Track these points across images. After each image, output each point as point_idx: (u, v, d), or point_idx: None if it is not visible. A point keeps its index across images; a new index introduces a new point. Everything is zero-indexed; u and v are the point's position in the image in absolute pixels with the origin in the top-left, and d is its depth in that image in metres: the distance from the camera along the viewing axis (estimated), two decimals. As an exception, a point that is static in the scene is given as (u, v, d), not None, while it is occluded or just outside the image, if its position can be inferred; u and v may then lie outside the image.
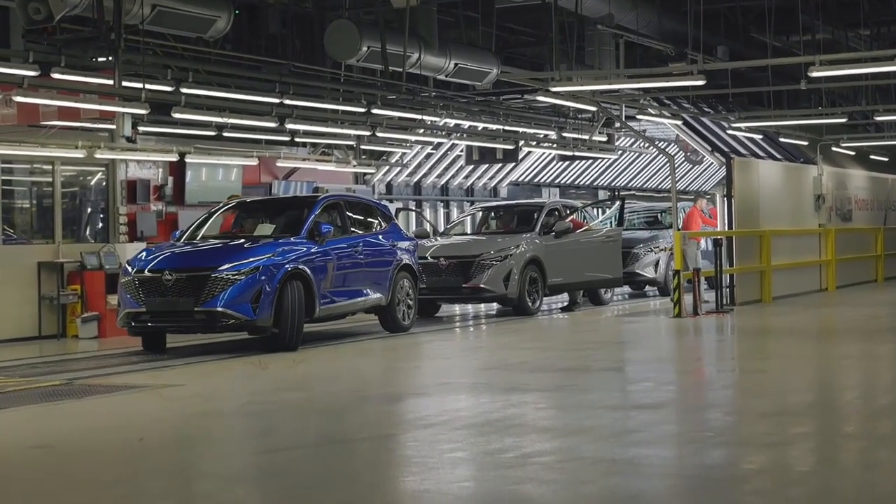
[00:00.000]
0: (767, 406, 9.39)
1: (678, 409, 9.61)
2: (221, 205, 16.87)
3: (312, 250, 14.57)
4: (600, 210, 25.01)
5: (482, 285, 18.69)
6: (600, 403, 9.79)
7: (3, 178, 16.95)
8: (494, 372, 12.21)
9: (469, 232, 22.61)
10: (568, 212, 21.16)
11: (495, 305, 20.72)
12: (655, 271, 23.05)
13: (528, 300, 19.07)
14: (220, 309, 13.63)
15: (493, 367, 12.67)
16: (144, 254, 14.62)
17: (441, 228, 25.99)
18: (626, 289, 23.59)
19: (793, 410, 9.23)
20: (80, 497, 6.74)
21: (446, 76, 19.48)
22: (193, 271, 13.80)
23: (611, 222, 22.53)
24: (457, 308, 21.75)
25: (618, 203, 22.06)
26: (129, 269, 14.22)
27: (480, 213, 22.56)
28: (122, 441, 8.52)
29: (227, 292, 13.62)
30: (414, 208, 29.05)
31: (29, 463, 7.77)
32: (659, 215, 25.38)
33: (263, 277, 13.79)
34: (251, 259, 13.90)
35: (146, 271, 13.98)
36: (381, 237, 16.28)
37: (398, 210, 23.24)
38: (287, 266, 14.06)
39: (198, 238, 15.34)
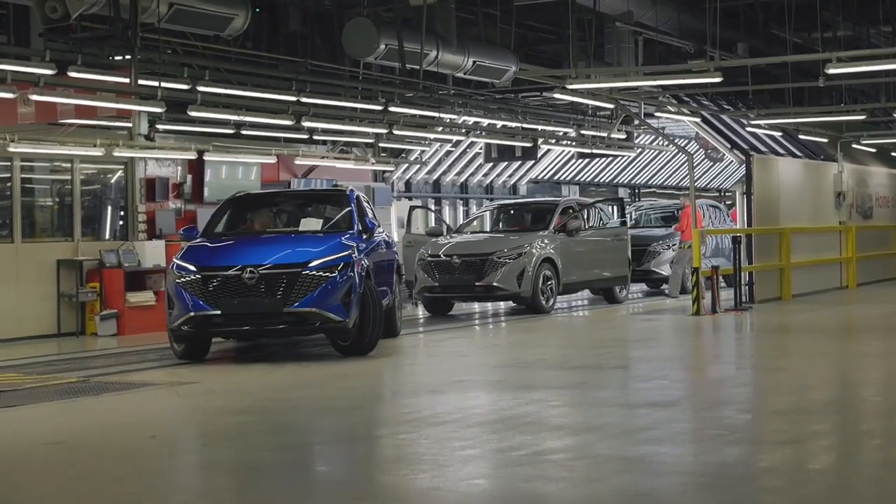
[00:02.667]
0: (783, 404, 9.35)
1: (692, 407, 9.58)
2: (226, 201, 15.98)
3: (363, 247, 13.54)
4: (616, 208, 24.92)
5: (495, 283, 18.66)
6: (614, 401, 9.77)
7: (23, 176, 17.02)
8: (509, 370, 12.21)
9: (483, 230, 22.55)
10: (572, 210, 21.11)
11: (508, 304, 20.69)
12: (671, 269, 22.96)
13: (542, 298, 19.03)
14: (313, 310, 12.51)
15: (507, 365, 12.66)
16: (200, 250, 13.20)
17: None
18: (643, 287, 23.51)
19: (809, 408, 9.19)
20: (92, 492, 6.76)
21: (465, 74, 19.45)
22: (282, 268, 12.59)
23: (626, 221, 22.50)
24: (476, 306, 21.73)
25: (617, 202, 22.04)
26: (190, 266, 12.71)
27: (495, 211, 22.52)
28: (135, 437, 8.55)
29: (318, 291, 12.52)
30: (423, 206, 28.97)
31: (43, 458, 7.80)
32: (676, 212, 25.29)
33: (352, 274, 12.77)
34: (336, 255, 12.81)
35: (219, 269, 12.66)
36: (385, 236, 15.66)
37: (412, 207, 23.20)
38: (364, 262, 13.15)
39: (230, 233, 14.06)
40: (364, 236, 13.79)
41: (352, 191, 14.89)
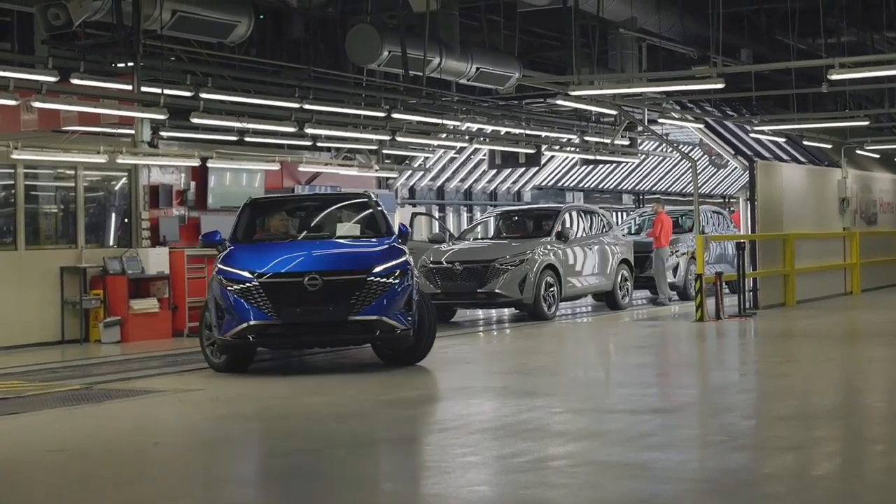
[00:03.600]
0: (787, 410, 9.33)
1: (695, 413, 9.56)
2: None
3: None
4: (624, 215, 24.92)
5: (497, 290, 18.64)
6: (616, 407, 9.75)
7: (27, 183, 17.03)
8: (512, 376, 12.19)
9: (485, 236, 22.51)
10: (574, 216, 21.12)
11: (510, 311, 20.68)
12: (675, 276, 22.92)
13: (544, 305, 19.01)
14: (379, 318, 11.96)
15: (511, 372, 12.65)
16: (247, 255, 12.48)
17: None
18: (646, 293, 23.48)
19: (813, 414, 9.17)
20: (93, 498, 6.76)
21: (468, 80, 19.47)
22: (345, 275, 12.02)
23: (630, 228, 22.45)
24: (480, 313, 21.72)
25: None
26: (244, 273, 12.04)
27: (497, 218, 22.50)
28: (137, 444, 8.55)
29: (383, 298, 11.97)
30: (425, 212, 28.98)
31: (45, 465, 7.80)
32: (679, 219, 25.24)
33: (411, 281, 12.30)
34: (396, 261, 12.30)
35: (277, 276, 11.99)
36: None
37: (414, 214, 23.19)
38: (414, 269, 12.63)
39: (265, 238, 13.46)
40: (401, 242, 13.23)
41: (376, 196, 14.51)
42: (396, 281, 12.08)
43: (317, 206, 14.79)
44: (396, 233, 13.33)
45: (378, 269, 12.05)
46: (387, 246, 12.71)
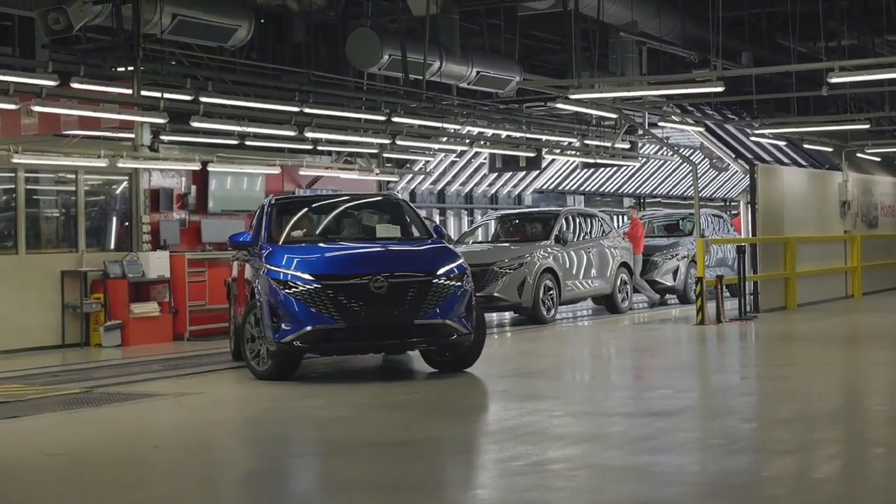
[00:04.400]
0: (788, 413, 9.33)
1: (695, 416, 9.55)
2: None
3: None
4: (624, 218, 24.91)
5: (496, 294, 18.63)
6: (616, 411, 9.75)
7: (28, 187, 17.04)
8: (512, 380, 12.19)
9: (484, 240, 22.49)
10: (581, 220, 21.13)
11: (510, 314, 20.67)
12: (675, 279, 22.91)
13: (543, 309, 18.99)
14: (444, 321, 11.50)
15: (510, 375, 12.64)
16: (298, 257, 11.83)
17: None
18: (645, 297, 23.47)
19: (814, 417, 9.16)
20: (92, 502, 6.76)
21: (468, 84, 19.47)
22: (410, 276, 11.55)
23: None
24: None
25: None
26: (303, 275, 11.44)
27: (496, 222, 22.49)
28: (137, 448, 8.54)
29: (447, 301, 11.55)
30: (425, 217, 28.95)
31: (44, 469, 7.80)
32: (679, 222, 25.24)
33: (470, 283, 11.94)
34: (456, 263, 11.90)
35: (341, 277, 11.44)
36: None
37: None
38: (469, 271, 12.17)
39: (305, 240, 12.89)
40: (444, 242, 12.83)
41: (403, 197, 14.28)
42: (459, 283, 11.71)
43: (346, 206, 14.30)
44: (437, 235, 13.03)
45: (441, 270, 11.65)
46: (440, 247, 12.44)
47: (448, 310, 11.50)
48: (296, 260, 11.72)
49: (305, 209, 13.80)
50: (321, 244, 12.58)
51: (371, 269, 11.49)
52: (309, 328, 11.30)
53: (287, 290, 11.42)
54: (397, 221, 13.61)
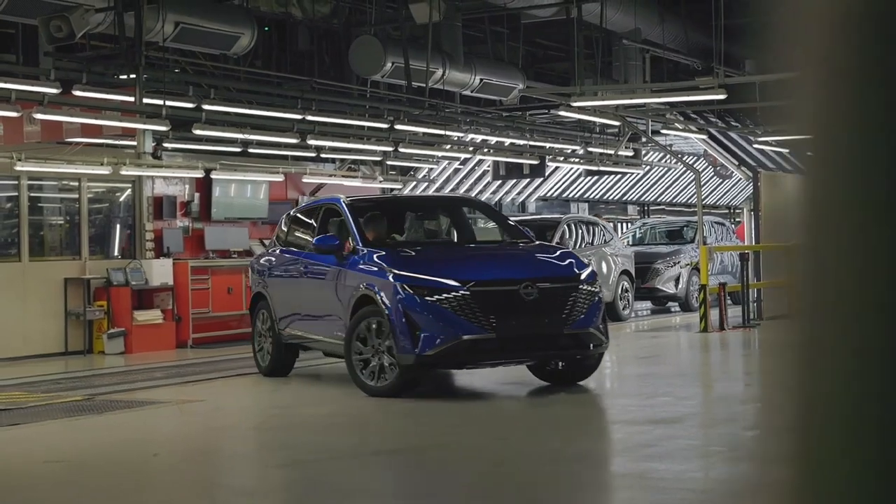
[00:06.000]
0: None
1: (696, 424, 9.54)
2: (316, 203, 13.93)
3: None
4: (624, 225, 24.93)
5: None
6: (616, 418, 9.74)
7: (31, 194, 17.07)
8: (512, 387, 12.17)
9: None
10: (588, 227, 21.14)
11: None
12: (676, 287, 22.86)
13: None
14: (589, 330, 10.80)
15: (509, 382, 12.61)
16: (424, 261, 11.03)
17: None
18: (648, 304, 23.45)
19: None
20: (91, 511, 6.77)
21: (471, 91, 19.52)
22: (558, 282, 10.80)
23: (629, 240, 22.42)
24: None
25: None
26: (447, 281, 10.52)
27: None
28: (137, 455, 8.54)
29: (591, 308, 10.86)
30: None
31: (43, 476, 7.79)
32: (682, 230, 25.22)
33: (601, 291, 11.45)
34: (590, 268, 11.37)
35: (487, 283, 10.56)
36: None
37: None
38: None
39: (405, 244, 12.21)
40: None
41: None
42: (598, 289, 11.09)
43: (428, 209, 13.74)
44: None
45: (583, 275, 10.98)
46: (566, 251, 11.94)
47: (592, 318, 10.82)
48: (433, 265, 10.88)
49: (388, 212, 12.91)
50: (436, 248, 11.97)
51: (516, 274, 10.76)
52: (461, 338, 10.32)
53: (430, 298, 10.43)
54: (496, 224, 13.10)
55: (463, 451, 8.14)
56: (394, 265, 10.90)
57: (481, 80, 19.21)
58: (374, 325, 10.85)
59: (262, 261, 13.91)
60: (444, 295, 10.38)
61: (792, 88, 1.36)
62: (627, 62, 21.21)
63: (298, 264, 12.76)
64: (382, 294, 10.74)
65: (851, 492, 1.26)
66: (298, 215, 13.66)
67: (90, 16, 12.70)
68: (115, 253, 18.44)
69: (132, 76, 14.47)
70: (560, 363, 11.43)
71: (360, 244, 11.55)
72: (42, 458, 8.49)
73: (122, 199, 18.68)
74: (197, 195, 20.19)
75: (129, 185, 18.52)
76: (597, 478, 7.14)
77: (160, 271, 17.85)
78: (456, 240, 12.96)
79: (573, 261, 11.35)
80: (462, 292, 10.35)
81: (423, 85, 18.02)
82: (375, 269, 11.05)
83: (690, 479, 7.15)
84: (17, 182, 16.71)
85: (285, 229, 13.67)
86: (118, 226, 18.66)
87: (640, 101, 19.30)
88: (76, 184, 17.62)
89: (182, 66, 17.79)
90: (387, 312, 10.64)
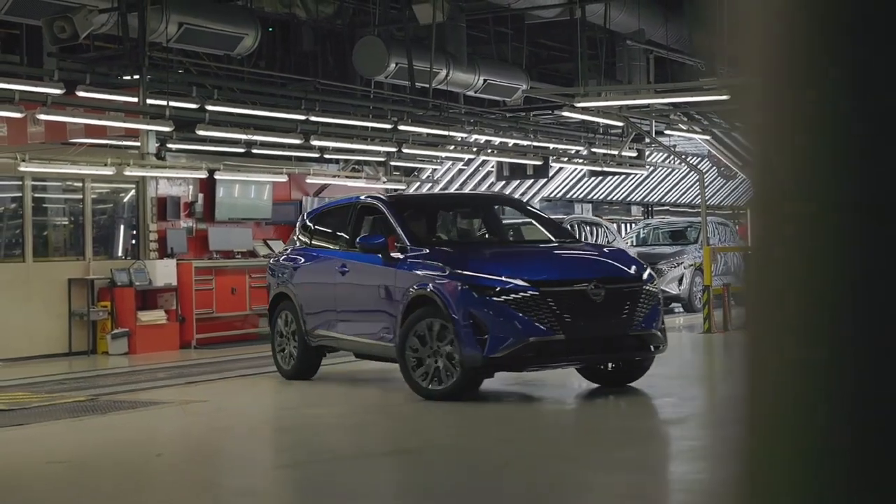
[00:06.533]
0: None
1: (701, 424, 9.53)
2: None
3: None
4: (628, 226, 24.93)
5: None
6: (619, 419, 9.72)
7: (35, 195, 17.08)
8: (516, 386, 12.16)
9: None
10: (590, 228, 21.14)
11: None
12: (679, 287, 22.81)
13: None
14: (653, 331, 10.70)
15: (515, 382, 12.60)
16: (484, 261, 10.72)
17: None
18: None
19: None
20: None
21: (475, 92, 19.51)
22: (624, 283, 10.60)
23: (632, 241, 22.40)
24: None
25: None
26: (516, 281, 10.23)
27: None
28: (140, 456, 8.54)
29: (652, 309, 10.72)
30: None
31: (46, 477, 7.80)
32: (686, 230, 25.17)
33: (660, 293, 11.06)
34: (647, 269, 11.19)
35: (556, 283, 10.29)
36: None
37: None
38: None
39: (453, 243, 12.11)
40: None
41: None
42: (657, 290, 10.95)
43: (471, 207, 13.44)
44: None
45: (645, 276, 10.81)
46: (620, 249, 11.67)
47: (654, 319, 10.68)
48: (496, 264, 10.59)
49: (430, 209, 12.74)
50: (489, 247, 11.74)
51: (583, 274, 10.50)
52: (530, 340, 10.02)
53: (497, 298, 10.15)
54: (541, 223, 12.87)
55: (466, 453, 8.13)
56: (455, 264, 10.59)
57: (485, 80, 19.20)
58: (435, 327, 10.48)
59: (283, 260, 13.42)
60: (513, 295, 10.11)
61: (737, 93, 1.40)
62: (631, 63, 21.19)
63: (332, 264, 12.32)
64: (444, 294, 10.41)
65: (795, 485, 1.29)
66: (327, 214, 13.33)
67: (93, 16, 12.71)
68: (119, 253, 18.45)
69: (136, 77, 14.46)
70: (611, 364, 11.24)
71: (409, 243, 11.22)
72: (45, 458, 8.49)
73: (125, 199, 18.69)
74: (200, 196, 20.20)
75: (133, 186, 18.53)
76: (600, 479, 7.13)
77: (164, 272, 17.86)
78: (514, 238, 12.64)
79: (634, 261, 11.21)
80: (531, 293, 10.08)
81: (427, 86, 18.01)
82: (433, 268, 10.71)
83: (696, 481, 7.15)
84: (20, 183, 16.73)
85: (311, 228, 13.27)
86: (122, 226, 18.67)
87: (644, 102, 19.27)
88: (80, 184, 17.63)
89: (186, 66, 17.78)
90: (449, 313, 10.31)
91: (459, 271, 10.45)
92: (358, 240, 11.68)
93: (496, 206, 13.56)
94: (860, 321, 1.26)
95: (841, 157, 1.27)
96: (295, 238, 13.63)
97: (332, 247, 12.65)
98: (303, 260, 12.98)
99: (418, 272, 10.83)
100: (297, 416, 10.42)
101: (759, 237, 1.37)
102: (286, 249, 13.81)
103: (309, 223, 13.36)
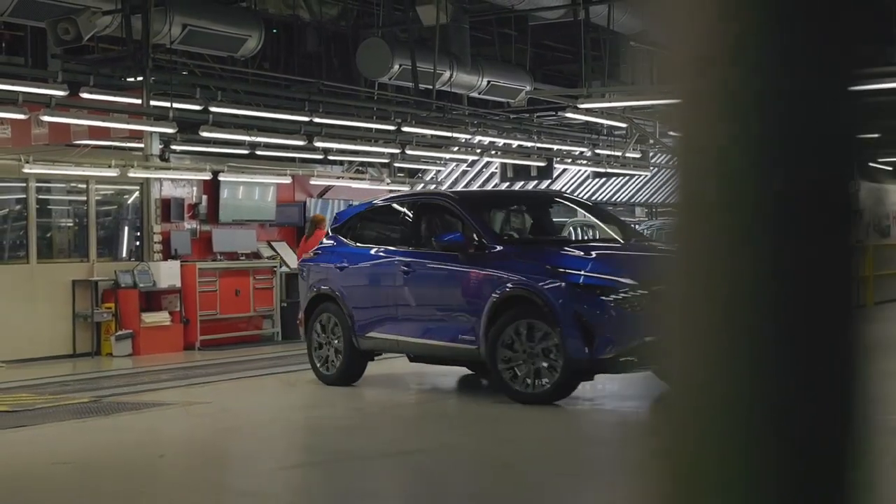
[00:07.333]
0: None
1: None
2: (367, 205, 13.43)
3: None
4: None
5: None
6: (624, 420, 9.71)
7: (39, 197, 17.09)
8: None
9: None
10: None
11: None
12: None
13: None
14: None
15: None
16: (597, 260, 10.48)
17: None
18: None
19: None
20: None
21: (479, 93, 19.50)
22: None
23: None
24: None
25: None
26: (620, 279, 9.99)
27: None
28: (144, 457, 8.55)
29: None
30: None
31: (49, 477, 7.81)
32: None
33: None
34: None
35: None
36: None
37: None
38: None
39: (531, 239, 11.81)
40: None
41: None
42: None
43: (534, 205, 13.03)
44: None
45: None
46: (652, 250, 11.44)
47: None
48: (599, 263, 10.33)
49: (498, 206, 12.53)
50: (580, 245, 11.47)
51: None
52: (645, 339, 9.03)
53: (606, 297, 9.88)
54: (610, 222, 12.76)
55: (469, 454, 8.13)
56: (557, 263, 10.33)
57: (489, 82, 19.20)
58: (530, 328, 10.18)
59: (322, 262, 12.86)
60: (623, 294, 9.85)
61: (668, 91, 1.43)
62: (635, 64, 21.18)
63: (390, 263, 11.89)
64: (546, 293, 10.10)
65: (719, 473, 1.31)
66: (374, 213, 12.88)
67: (97, 18, 12.72)
68: (123, 255, 18.46)
69: (140, 78, 14.47)
70: None
71: (491, 241, 10.93)
72: (49, 459, 8.50)
73: (129, 201, 18.70)
74: (204, 197, 20.21)
75: (137, 188, 18.53)
76: (603, 480, 7.13)
77: (168, 273, 17.87)
78: (599, 237, 12.38)
79: None
80: (640, 291, 9.75)
81: (431, 87, 18.01)
82: (528, 267, 10.41)
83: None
84: (25, 184, 16.73)
85: (354, 227, 12.79)
86: (126, 228, 18.67)
87: (648, 103, 19.25)
88: (84, 186, 17.64)
89: (189, 68, 17.79)
90: (551, 312, 9.99)
91: (566, 270, 10.19)
92: (435, 238, 11.31)
93: (552, 204, 13.29)
94: (775, 309, 1.28)
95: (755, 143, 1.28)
96: (333, 237, 13.09)
97: (387, 246, 12.15)
98: (348, 261, 12.48)
99: (509, 271, 10.50)
100: (301, 417, 10.43)
101: (680, 228, 1.40)
102: (317, 251, 13.32)
103: (351, 223, 12.91)
